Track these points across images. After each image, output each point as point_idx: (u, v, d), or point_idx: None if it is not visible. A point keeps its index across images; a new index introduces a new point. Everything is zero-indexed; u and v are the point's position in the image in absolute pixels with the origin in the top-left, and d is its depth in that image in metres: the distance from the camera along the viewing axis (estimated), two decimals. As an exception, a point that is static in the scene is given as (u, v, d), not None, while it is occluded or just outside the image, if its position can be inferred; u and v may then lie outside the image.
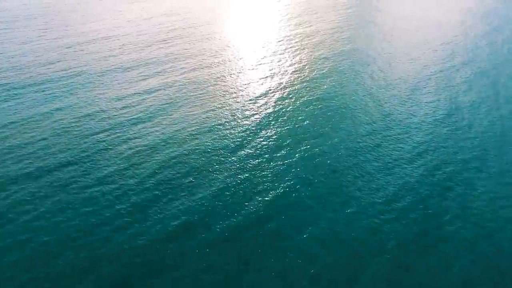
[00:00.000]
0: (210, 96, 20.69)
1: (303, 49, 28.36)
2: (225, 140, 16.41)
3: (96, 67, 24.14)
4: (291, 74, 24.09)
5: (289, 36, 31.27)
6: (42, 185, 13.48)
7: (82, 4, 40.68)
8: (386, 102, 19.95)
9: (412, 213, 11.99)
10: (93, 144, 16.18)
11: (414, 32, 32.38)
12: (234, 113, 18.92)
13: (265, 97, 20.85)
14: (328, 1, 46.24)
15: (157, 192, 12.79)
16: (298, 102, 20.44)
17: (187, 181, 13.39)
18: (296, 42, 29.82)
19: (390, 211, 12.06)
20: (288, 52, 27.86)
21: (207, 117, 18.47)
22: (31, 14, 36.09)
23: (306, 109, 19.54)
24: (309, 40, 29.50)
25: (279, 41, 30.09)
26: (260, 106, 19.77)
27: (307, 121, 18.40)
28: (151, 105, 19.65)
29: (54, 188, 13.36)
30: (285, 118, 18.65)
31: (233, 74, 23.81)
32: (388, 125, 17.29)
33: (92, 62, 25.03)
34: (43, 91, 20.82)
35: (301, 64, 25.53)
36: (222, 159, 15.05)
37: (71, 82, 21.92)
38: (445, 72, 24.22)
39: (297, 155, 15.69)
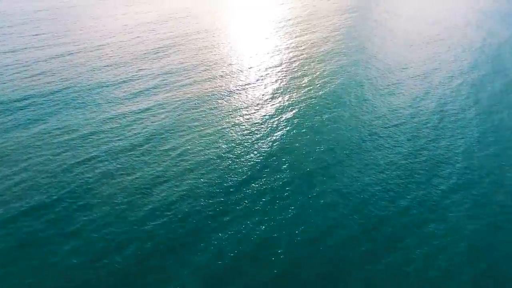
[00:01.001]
0: (214, 115, 19.36)
1: (308, 54, 27.67)
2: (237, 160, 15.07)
3: (86, 81, 22.65)
4: (297, 81, 22.75)
5: (292, 41, 31.05)
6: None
7: (75, 8, 40.16)
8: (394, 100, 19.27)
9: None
10: (81, 176, 14.61)
11: (420, 32, 33.71)
12: (243, 128, 17.52)
13: (276, 114, 19.46)
14: (331, 3, 48.48)
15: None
16: (307, 110, 19.06)
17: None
18: (300, 48, 29.57)
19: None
20: (293, 58, 27.03)
21: (214, 140, 17.05)
22: (23, 19, 35.13)
23: (317, 113, 18.27)
24: (313, 45, 29.91)
25: (284, 47, 29.52)
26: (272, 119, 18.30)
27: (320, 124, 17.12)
28: (147, 127, 18.12)
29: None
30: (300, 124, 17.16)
31: (238, 88, 22.47)
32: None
33: (83, 75, 23.54)
34: (26, 108, 19.33)
35: (307, 70, 24.51)
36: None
37: (57, 98, 20.40)
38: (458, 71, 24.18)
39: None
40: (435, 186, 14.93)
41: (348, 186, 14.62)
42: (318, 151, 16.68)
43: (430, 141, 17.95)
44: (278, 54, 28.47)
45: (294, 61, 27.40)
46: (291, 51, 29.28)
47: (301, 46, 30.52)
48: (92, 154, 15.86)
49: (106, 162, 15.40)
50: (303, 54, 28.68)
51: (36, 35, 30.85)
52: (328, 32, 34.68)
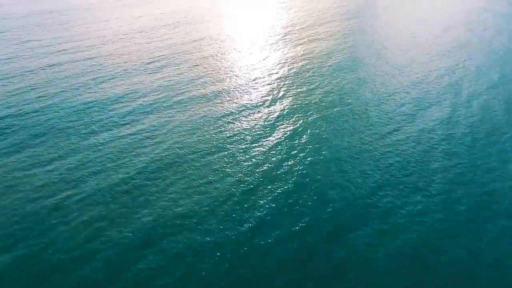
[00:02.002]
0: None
1: (309, 54, 25.45)
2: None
3: (74, 97, 20.52)
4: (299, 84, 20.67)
5: (294, 46, 28.66)
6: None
7: (68, 12, 37.80)
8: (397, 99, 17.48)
9: None
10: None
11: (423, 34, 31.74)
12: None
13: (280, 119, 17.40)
14: (332, 4, 46.70)
15: None
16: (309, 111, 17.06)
17: None
18: (300, 49, 27.16)
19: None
20: (297, 65, 24.81)
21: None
22: (10, 25, 33.04)
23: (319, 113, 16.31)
24: (312, 43, 27.87)
25: (286, 52, 27.20)
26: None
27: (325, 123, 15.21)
28: (144, 155, 16.07)
29: None
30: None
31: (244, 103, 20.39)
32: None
33: (70, 90, 21.39)
34: (2, 131, 17.32)
35: (310, 73, 22.41)
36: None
37: (41, 118, 18.34)
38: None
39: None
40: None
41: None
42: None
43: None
44: (279, 56, 26.45)
45: (298, 69, 25.36)
46: (293, 56, 27.25)
47: (306, 52, 28.52)
48: (79, 192, 13.81)
49: (99, 206, 13.37)
50: (308, 59, 26.69)
51: (27, 41, 28.84)
52: (336, 36, 32.68)
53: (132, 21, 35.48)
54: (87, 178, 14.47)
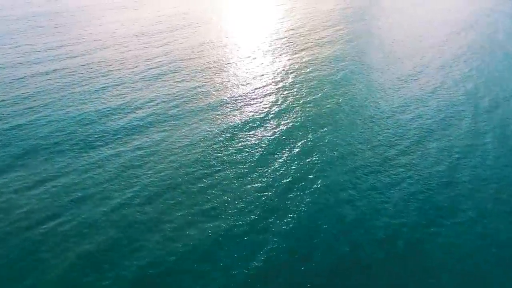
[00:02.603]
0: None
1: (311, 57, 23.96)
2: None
3: (66, 109, 18.90)
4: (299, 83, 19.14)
5: (293, 44, 27.12)
6: None
7: (61, 14, 36.00)
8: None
9: None
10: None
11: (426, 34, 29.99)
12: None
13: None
14: (332, 5, 45.10)
15: None
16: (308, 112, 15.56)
17: None
18: (301, 51, 25.62)
19: None
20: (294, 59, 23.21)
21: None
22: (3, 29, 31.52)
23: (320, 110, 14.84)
24: (314, 47, 26.55)
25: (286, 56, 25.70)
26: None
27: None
28: (144, 178, 14.47)
29: None
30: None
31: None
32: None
33: (58, 103, 19.78)
34: None
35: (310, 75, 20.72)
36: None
37: (27, 133, 16.71)
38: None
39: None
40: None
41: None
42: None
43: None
44: (283, 64, 24.95)
45: (303, 76, 23.86)
46: (297, 62, 25.76)
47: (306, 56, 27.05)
48: (67, 220, 12.25)
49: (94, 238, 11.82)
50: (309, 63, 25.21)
51: (16, 46, 27.27)
52: (335, 34, 31.24)
53: (127, 25, 33.90)
54: (76, 204, 12.92)
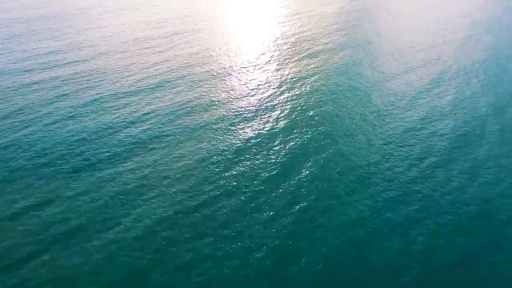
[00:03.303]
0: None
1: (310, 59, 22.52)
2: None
3: (52, 127, 17.30)
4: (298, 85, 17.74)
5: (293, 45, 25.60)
6: None
7: (57, 18, 34.21)
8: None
9: None
10: None
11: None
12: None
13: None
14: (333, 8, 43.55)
15: None
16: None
17: None
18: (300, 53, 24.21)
19: None
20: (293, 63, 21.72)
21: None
22: None
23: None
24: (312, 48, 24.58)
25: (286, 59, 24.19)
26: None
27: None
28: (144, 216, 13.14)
29: None
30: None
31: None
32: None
33: (48, 118, 18.22)
34: None
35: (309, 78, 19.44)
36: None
37: (9, 157, 15.28)
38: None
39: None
40: None
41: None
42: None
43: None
44: (285, 73, 23.57)
45: (308, 86, 22.48)
46: (301, 70, 24.38)
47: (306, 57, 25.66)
48: (52, 258, 10.82)
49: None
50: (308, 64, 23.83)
51: (6, 53, 25.72)
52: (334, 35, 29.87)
53: (124, 29, 32.40)
54: (64, 238, 11.50)
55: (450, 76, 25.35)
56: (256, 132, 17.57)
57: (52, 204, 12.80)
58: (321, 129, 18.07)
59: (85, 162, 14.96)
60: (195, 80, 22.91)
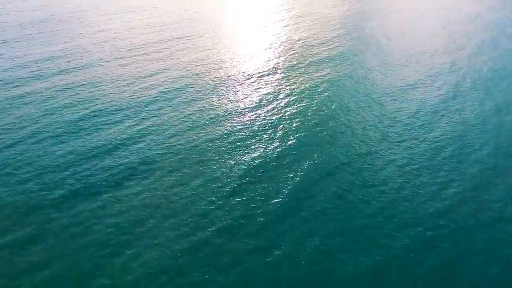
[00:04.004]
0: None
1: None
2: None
3: (39, 146, 15.76)
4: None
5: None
6: None
7: (51, 22, 32.36)
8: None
9: None
10: None
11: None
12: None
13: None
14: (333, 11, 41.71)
15: None
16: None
17: None
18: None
19: None
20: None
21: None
22: None
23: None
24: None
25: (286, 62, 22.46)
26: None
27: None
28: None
29: None
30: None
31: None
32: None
33: (35, 136, 16.62)
34: None
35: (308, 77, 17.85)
36: None
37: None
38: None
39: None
40: None
41: None
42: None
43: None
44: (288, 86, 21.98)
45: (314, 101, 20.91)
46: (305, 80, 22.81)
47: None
48: None
49: None
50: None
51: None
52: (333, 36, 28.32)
53: (120, 34, 30.78)
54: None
55: (470, 84, 23.80)
56: (264, 150, 15.97)
57: (39, 241, 11.19)
58: (336, 149, 16.49)
59: (75, 191, 13.32)
60: (196, 91, 21.30)
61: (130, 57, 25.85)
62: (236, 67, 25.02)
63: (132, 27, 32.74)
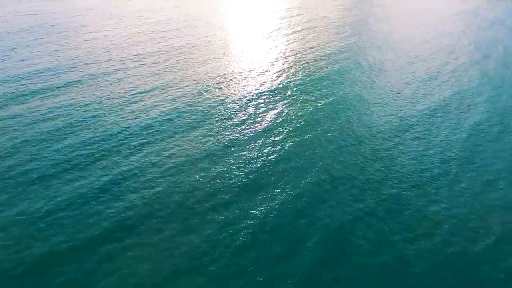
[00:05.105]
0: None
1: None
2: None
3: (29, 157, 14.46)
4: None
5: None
6: None
7: (44, 28, 31.93)
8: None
9: None
10: None
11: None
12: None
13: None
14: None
15: None
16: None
17: None
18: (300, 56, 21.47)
19: None
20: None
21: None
22: None
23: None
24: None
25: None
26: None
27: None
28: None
29: None
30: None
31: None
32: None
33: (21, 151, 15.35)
34: None
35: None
36: None
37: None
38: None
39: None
40: None
41: None
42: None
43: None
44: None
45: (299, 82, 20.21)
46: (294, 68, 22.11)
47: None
48: None
49: None
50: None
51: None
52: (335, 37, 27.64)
53: (117, 39, 30.03)
54: None
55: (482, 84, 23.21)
56: (267, 158, 15.29)
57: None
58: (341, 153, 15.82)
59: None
60: (192, 116, 20.57)
61: (126, 68, 25.07)
62: (237, 85, 24.32)
63: (131, 34, 32.00)
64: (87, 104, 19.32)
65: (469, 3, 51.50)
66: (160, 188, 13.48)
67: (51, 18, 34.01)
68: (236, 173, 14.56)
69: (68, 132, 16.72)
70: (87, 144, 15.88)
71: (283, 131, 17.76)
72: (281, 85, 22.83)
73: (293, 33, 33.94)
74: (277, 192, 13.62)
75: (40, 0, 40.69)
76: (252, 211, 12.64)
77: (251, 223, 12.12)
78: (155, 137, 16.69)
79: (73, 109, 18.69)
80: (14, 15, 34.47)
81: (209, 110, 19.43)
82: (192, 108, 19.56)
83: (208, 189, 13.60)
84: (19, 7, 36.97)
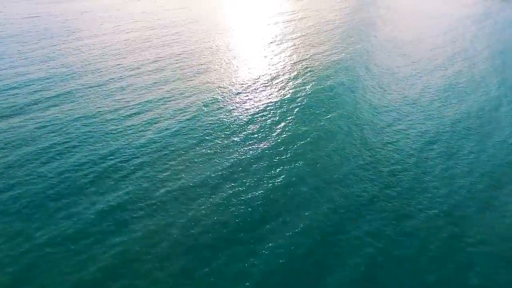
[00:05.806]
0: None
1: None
2: None
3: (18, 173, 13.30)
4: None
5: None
6: None
7: (39, 32, 30.46)
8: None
9: None
10: None
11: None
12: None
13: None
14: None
15: None
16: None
17: None
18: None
19: None
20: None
21: None
22: None
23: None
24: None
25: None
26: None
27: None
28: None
29: None
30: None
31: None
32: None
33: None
34: None
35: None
36: None
37: None
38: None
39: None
40: None
41: None
42: None
43: None
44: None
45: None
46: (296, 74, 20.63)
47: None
48: None
49: None
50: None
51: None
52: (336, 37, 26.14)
53: (113, 42, 28.58)
54: None
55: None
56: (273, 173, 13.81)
57: None
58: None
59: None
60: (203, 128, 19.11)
61: (122, 68, 23.62)
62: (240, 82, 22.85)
63: (131, 41, 30.54)
64: (77, 118, 17.83)
65: (479, 3, 49.99)
66: (155, 221, 11.99)
67: (48, 21, 32.59)
68: (244, 202, 13.07)
69: (56, 152, 15.23)
70: (77, 165, 14.39)
71: (292, 148, 16.28)
72: (287, 96, 21.34)
73: (299, 37, 32.43)
74: (291, 223, 12.13)
75: (39, 2, 39.28)
76: (260, 247, 11.15)
77: (263, 261, 10.63)
78: (153, 157, 15.21)
79: (63, 125, 17.21)
80: (8, 18, 33.05)
81: (211, 125, 17.95)
82: (192, 123, 18.06)
83: (209, 221, 12.10)
84: (18, 10, 35.59)
